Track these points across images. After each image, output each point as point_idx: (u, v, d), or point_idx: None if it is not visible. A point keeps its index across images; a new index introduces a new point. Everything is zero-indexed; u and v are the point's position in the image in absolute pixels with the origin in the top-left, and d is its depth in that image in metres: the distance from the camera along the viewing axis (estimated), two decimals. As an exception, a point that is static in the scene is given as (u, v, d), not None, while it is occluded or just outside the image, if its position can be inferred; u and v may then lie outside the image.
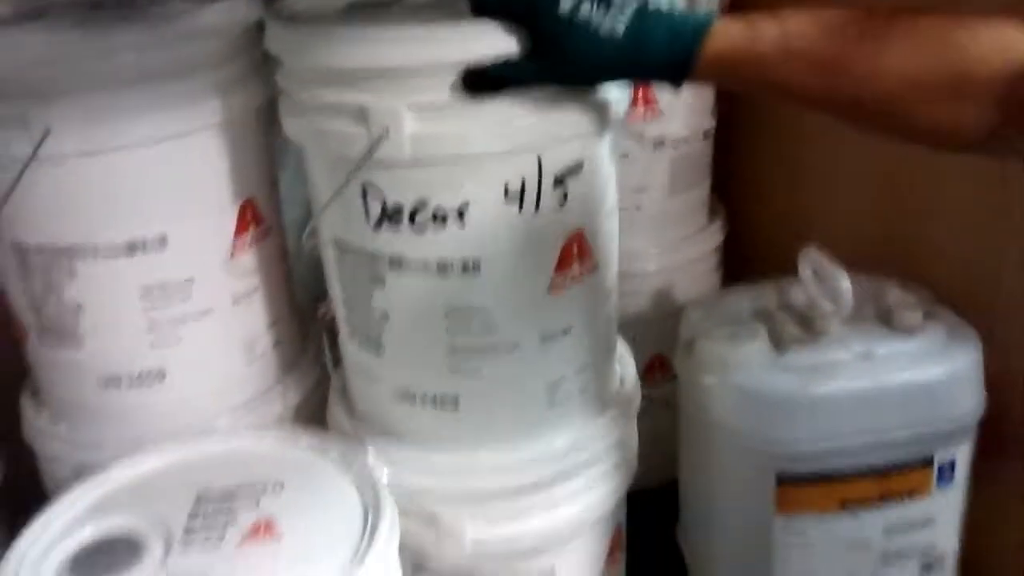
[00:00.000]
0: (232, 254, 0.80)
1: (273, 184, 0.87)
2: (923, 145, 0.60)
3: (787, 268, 0.92)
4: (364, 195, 0.68)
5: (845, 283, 0.85)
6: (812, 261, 0.89)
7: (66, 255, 0.75)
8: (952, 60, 0.54)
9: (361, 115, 0.65)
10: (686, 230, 1.17)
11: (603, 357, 0.80)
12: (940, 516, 0.89)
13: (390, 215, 0.68)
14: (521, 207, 0.68)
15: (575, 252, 0.72)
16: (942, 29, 0.55)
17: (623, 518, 0.88)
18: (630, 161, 1.07)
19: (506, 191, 0.67)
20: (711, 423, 0.89)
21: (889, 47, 0.55)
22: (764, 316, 0.92)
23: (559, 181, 0.68)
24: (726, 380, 0.86)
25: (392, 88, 0.64)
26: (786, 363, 0.85)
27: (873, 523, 0.87)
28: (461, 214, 0.67)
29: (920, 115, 0.56)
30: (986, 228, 0.91)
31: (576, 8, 0.60)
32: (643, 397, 1.15)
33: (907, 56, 0.55)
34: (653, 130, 1.05)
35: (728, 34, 0.59)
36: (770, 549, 0.88)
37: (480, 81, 0.63)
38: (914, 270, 0.96)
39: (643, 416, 1.17)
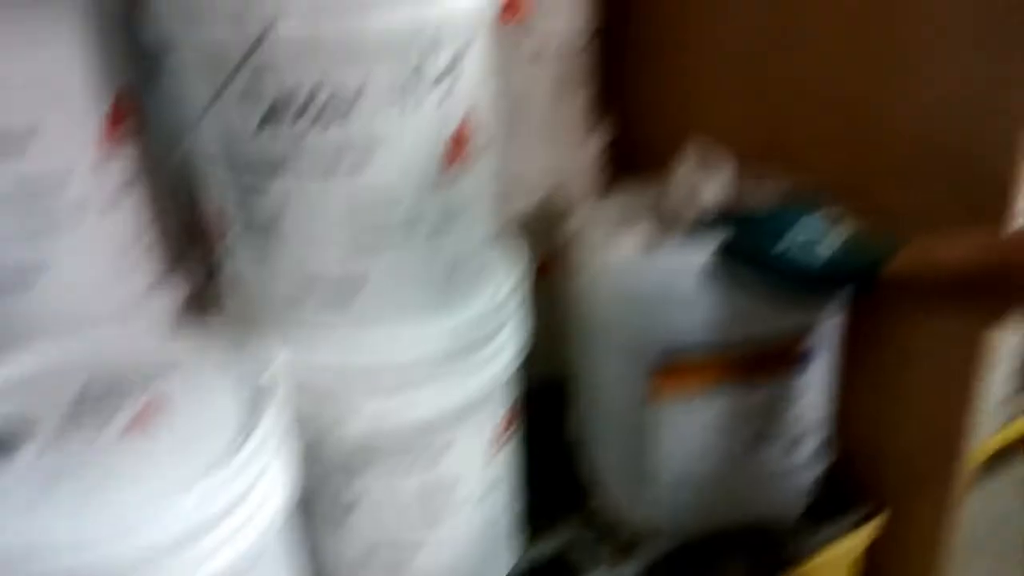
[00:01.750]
0: (105, 148, 0.78)
1: (147, 78, 0.84)
2: None
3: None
4: (250, 85, 0.67)
5: (723, 177, 0.89)
6: (696, 156, 0.93)
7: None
8: None
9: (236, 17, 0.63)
10: (573, 132, 1.19)
11: (493, 239, 0.83)
12: (805, 396, 0.96)
13: (280, 105, 0.67)
14: (413, 92, 0.69)
15: (465, 135, 0.74)
16: None
17: (515, 399, 0.91)
18: (511, 67, 1.07)
19: (399, 76, 0.68)
20: (589, 316, 0.92)
21: None
22: (639, 216, 0.95)
23: (447, 69, 0.70)
24: (600, 277, 0.89)
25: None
26: (655, 260, 0.88)
27: (742, 403, 0.93)
28: (354, 101, 0.67)
29: None
30: (853, 127, 0.97)
31: (787, 249, 0.83)
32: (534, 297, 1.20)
33: None
34: (532, 32, 1.06)
35: (912, 248, 0.75)
36: (646, 432, 0.93)
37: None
38: (790, 166, 1.00)
39: (535, 315, 1.22)
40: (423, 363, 0.77)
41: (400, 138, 0.70)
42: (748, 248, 0.85)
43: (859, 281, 0.79)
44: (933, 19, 0.86)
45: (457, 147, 0.74)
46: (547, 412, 1.13)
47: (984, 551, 1.28)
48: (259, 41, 0.65)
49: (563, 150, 1.18)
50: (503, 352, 0.84)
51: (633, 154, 1.27)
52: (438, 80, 0.70)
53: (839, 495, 1.07)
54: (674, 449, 0.95)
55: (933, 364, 0.97)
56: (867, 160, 0.97)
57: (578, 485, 1.06)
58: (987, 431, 1.22)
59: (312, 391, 0.76)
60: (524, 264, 0.89)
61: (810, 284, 0.83)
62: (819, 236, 0.83)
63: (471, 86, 0.73)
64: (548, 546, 1.02)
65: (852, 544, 1.04)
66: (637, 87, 1.29)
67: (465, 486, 0.85)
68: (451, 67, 0.70)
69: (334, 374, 0.77)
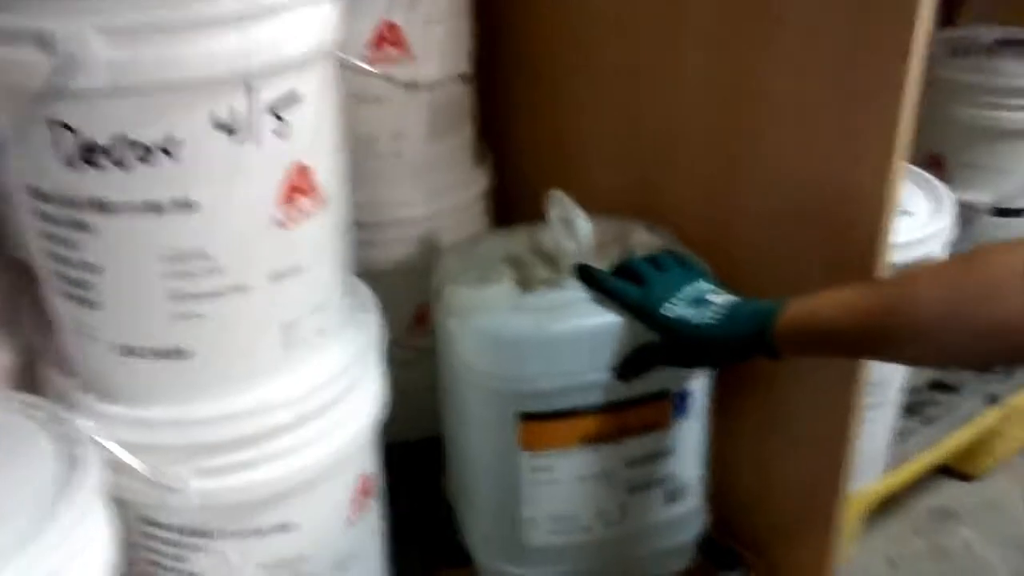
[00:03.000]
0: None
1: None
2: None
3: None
4: (53, 132, 0.62)
5: (583, 224, 0.87)
6: (558, 204, 0.91)
7: None
8: (977, 271, 0.65)
9: (41, 40, 0.58)
10: (450, 176, 1.15)
11: (340, 295, 0.79)
12: (680, 447, 0.93)
13: (86, 154, 0.62)
14: (236, 139, 0.64)
15: (300, 186, 0.70)
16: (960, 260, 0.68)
17: (373, 466, 0.86)
18: (385, 105, 1.04)
19: (216, 122, 0.63)
20: (458, 365, 0.89)
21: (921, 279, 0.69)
22: (513, 260, 0.93)
23: (275, 111, 0.65)
24: (469, 322, 0.86)
25: (78, 8, 0.58)
26: (527, 304, 0.85)
27: (615, 456, 0.90)
28: (168, 149, 0.63)
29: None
30: (719, 179, 0.96)
31: (677, 309, 0.81)
32: (413, 348, 1.16)
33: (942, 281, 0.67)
34: (405, 72, 1.03)
35: (792, 307, 0.75)
36: (519, 486, 0.89)
37: (628, 370, 0.85)
38: (662, 215, 1.00)
39: (414, 367, 1.18)
40: (259, 436, 0.72)
41: (222, 190, 0.65)
42: (636, 307, 0.83)
43: (755, 346, 0.77)
44: (792, 62, 0.85)
45: (292, 197, 0.70)
46: (427, 467, 1.09)
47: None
48: (60, 85, 0.59)
49: (441, 192, 1.14)
50: (353, 418, 0.79)
51: (513, 199, 1.24)
52: (262, 126, 0.65)
53: (721, 549, 1.05)
54: (548, 502, 0.91)
55: (808, 410, 0.95)
56: (737, 211, 0.95)
57: (457, 547, 1.01)
58: (875, 473, 1.21)
59: (138, 467, 0.70)
60: (378, 320, 0.84)
61: (703, 349, 0.81)
62: (707, 298, 0.82)
63: (307, 130, 0.69)
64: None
65: (736, 599, 1.01)
66: (513, 131, 1.26)
67: (314, 564, 0.80)
68: (280, 110, 0.66)
69: (162, 451, 0.71)
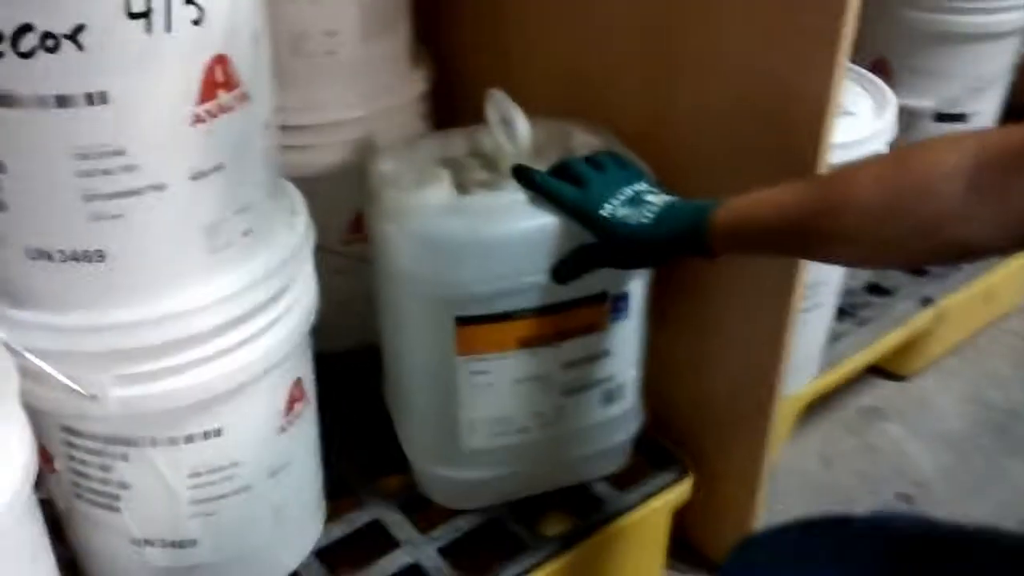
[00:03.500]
0: None
1: None
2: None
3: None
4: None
5: (523, 124, 0.84)
6: (497, 104, 0.88)
7: None
8: (912, 168, 0.64)
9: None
10: (387, 77, 1.11)
11: (267, 197, 0.75)
12: (617, 349, 0.93)
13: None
14: (149, 28, 0.60)
15: (219, 80, 0.66)
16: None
17: (306, 372, 0.85)
18: (317, 1, 0.99)
19: (128, 10, 0.59)
20: (393, 271, 0.87)
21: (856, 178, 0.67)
22: (451, 163, 0.91)
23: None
24: (403, 226, 0.83)
25: None
26: (464, 207, 0.83)
27: (552, 358, 0.90)
28: (75, 37, 0.58)
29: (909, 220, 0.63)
30: (660, 77, 0.93)
31: (615, 209, 0.79)
32: (350, 255, 1.13)
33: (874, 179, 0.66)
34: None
35: (727, 205, 0.74)
36: (456, 390, 0.89)
37: (566, 272, 0.83)
38: (603, 115, 0.98)
39: (352, 274, 1.15)
40: (182, 342, 0.70)
41: (136, 82, 0.61)
42: (574, 208, 0.81)
43: (691, 245, 0.76)
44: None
45: (211, 90, 0.66)
46: (366, 375, 1.08)
47: (817, 489, 1.30)
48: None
49: (377, 94, 1.10)
50: (282, 322, 0.77)
51: (454, 102, 1.20)
52: (178, 14, 0.61)
53: (658, 449, 1.06)
54: (486, 405, 0.91)
55: (743, 313, 0.96)
56: (678, 110, 0.93)
57: (395, 455, 1.01)
58: (809, 374, 1.23)
59: (55, 376, 0.68)
60: (307, 222, 0.82)
61: (640, 248, 0.80)
62: (644, 199, 0.80)
63: (225, 19, 0.65)
64: (357, 521, 0.97)
65: (671, 497, 1.03)
66: (452, 31, 1.22)
67: (247, 471, 0.79)
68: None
69: (79, 358, 0.69)
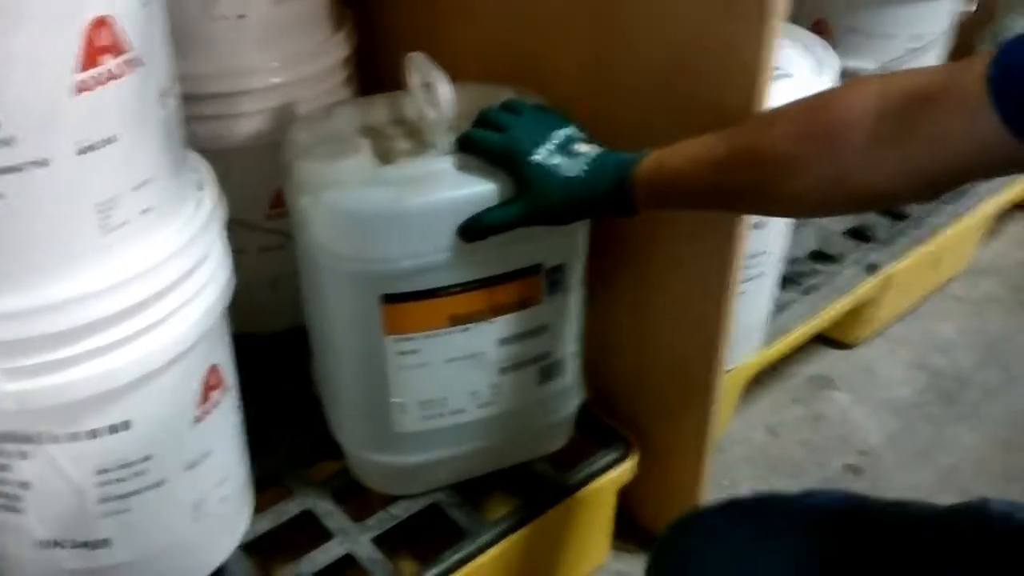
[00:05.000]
0: None
1: None
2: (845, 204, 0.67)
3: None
4: None
5: (445, 89, 0.80)
6: (418, 68, 0.83)
7: None
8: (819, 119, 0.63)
9: None
10: (305, 41, 1.05)
11: (168, 171, 0.70)
12: (555, 323, 0.90)
13: None
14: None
15: (103, 43, 0.60)
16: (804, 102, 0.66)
17: (222, 357, 0.80)
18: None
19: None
20: (313, 247, 0.81)
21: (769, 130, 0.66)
22: (372, 131, 0.86)
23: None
24: (321, 199, 0.78)
25: None
26: (385, 177, 0.79)
27: (486, 335, 0.86)
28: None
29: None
30: (593, 39, 0.89)
31: (547, 156, 0.75)
32: (273, 231, 1.08)
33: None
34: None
35: (649, 158, 0.72)
36: (385, 371, 0.84)
37: (476, 230, 0.77)
38: (535, 77, 0.94)
39: (276, 251, 1.10)
40: (78, 330, 0.65)
41: (6, 45, 0.56)
42: (501, 152, 0.77)
43: (616, 201, 0.74)
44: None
45: (94, 55, 0.60)
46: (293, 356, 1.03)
47: (764, 461, 1.29)
48: None
49: (295, 59, 1.04)
50: (191, 305, 0.72)
51: (382, 70, 1.14)
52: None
53: (601, 427, 1.03)
54: (417, 387, 0.86)
55: (684, 285, 0.92)
56: (611, 71, 0.89)
57: (326, 441, 0.96)
58: (754, 344, 1.21)
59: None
60: (216, 196, 0.76)
61: (570, 203, 0.76)
62: (576, 149, 0.77)
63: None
64: (286, 512, 0.93)
65: (615, 475, 1.00)
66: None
67: (161, 465, 0.74)
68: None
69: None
